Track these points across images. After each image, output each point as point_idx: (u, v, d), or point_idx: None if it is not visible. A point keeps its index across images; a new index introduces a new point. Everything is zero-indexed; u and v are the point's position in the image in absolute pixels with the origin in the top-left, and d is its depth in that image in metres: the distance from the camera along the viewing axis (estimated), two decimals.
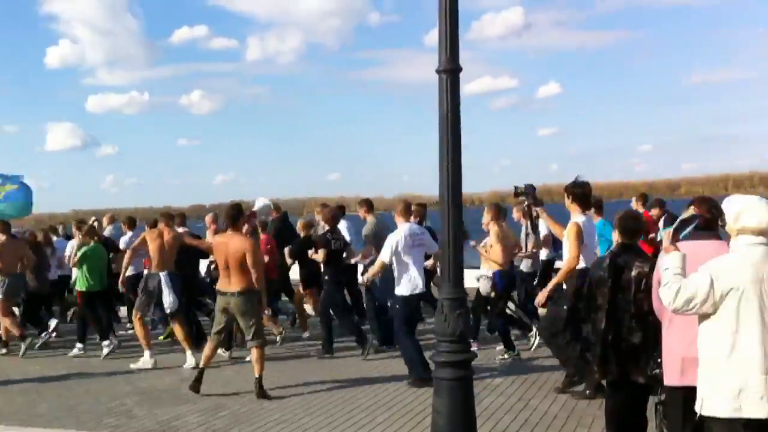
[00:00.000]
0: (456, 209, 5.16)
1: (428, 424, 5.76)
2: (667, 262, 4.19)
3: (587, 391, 7.65)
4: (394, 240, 8.46)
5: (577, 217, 7.67)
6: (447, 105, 5.12)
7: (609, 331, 5.40)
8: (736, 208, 4.11)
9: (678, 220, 4.38)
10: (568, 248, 7.57)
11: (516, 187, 8.44)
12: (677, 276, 4.09)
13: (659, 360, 4.93)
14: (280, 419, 7.46)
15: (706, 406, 4.04)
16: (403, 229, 8.58)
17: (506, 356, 9.70)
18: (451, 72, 5.11)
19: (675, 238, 4.28)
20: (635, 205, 13.00)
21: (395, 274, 8.56)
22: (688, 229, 4.34)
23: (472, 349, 5.50)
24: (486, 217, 10.09)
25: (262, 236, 11.41)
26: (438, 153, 5.18)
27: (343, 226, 11.80)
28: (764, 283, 3.92)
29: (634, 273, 5.33)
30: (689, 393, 4.49)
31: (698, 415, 4.11)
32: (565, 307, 7.64)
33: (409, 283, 8.48)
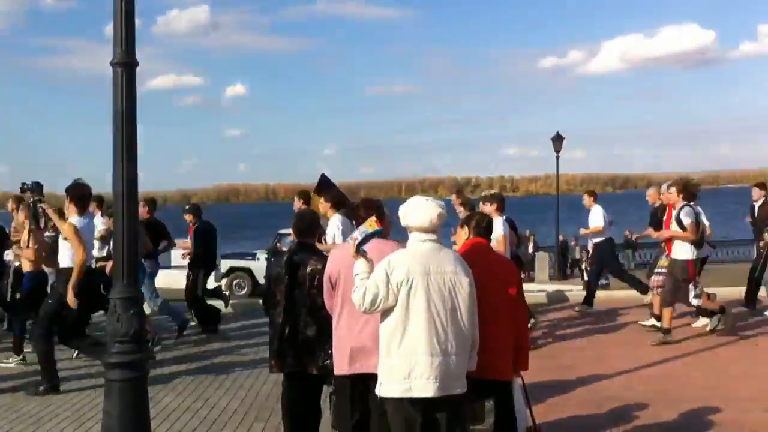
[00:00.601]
0: (131, 206, 5.01)
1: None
2: (357, 268, 4.45)
3: None
4: None
5: (73, 217, 8.20)
6: (122, 100, 4.94)
7: (286, 325, 5.58)
8: (404, 209, 4.50)
9: (363, 234, 4.60)
10: (73, 246, 8.03)
11: (23, 183, 8.71)
12: (364, 280, 4.37)
13: (330, 351, 5.20)
14: None
15: (383, 388, 4.33)
16: None
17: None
18: (126, 65, 4.95)
19: (360, 249, 4.51)
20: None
21: None
22: (368, 241, 4.59)
23: None
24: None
25: None
26: (112, 148, 5.00)
27: None
28: (430, 276, 4.29)
29: (308, 270, 5.54)
30: (357, 380, 4.82)
31: (378, 397, 4.38)
32: (49, 301, 8.14)
33: None
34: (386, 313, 4.33)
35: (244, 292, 17.83)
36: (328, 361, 5.29)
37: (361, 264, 4.45)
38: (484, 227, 5.01)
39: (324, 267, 5.23)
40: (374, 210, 5.07)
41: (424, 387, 4.20)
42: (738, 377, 8.23)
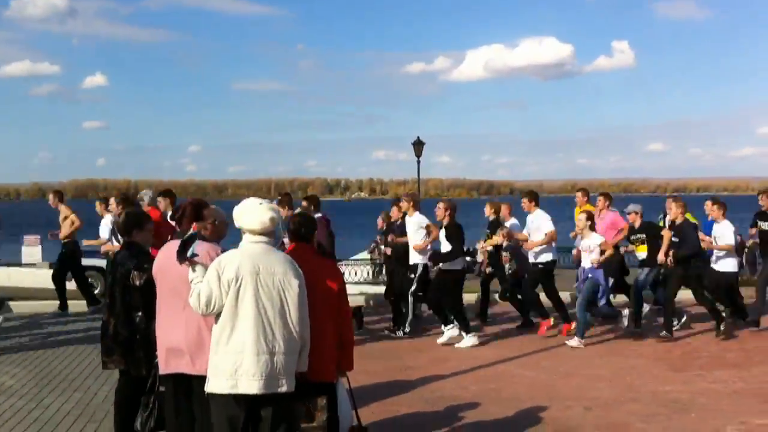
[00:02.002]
0: None
1: None
2: (191, 275, 4.49)
3: None
4: None
5: None
6: None
7: (108, 323, 5.60)
8: (238, 211, 4.60)
9: (186, 236, 4.62)
10: None
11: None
12: (198, 284, 4.41)
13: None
14: None
15: (210, 384, 4.39)
16: None
17: None
18: None
19: (185, 257, 4.51)
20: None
21: None
22: (195, 245, 4.62)
23: None
24: None
25: None
26: None
27: None
28: (260, 275, 4.39)
29: (124, 269, 5.53)
30: (176, 380, 4.87)
31: (206, 393, 4.42)
32: None
33: None
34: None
35: (96, 291, 17.33)
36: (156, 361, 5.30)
37: (191, 271, 4.49)
38: (303, 231, 5.12)
39: (138, 267, 5.35)
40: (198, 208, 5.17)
41: (250, 384, 4.30)
42: (564, 376, 8.72)
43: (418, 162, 28.06)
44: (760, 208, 11.86)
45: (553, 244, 11.26)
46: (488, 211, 12.50)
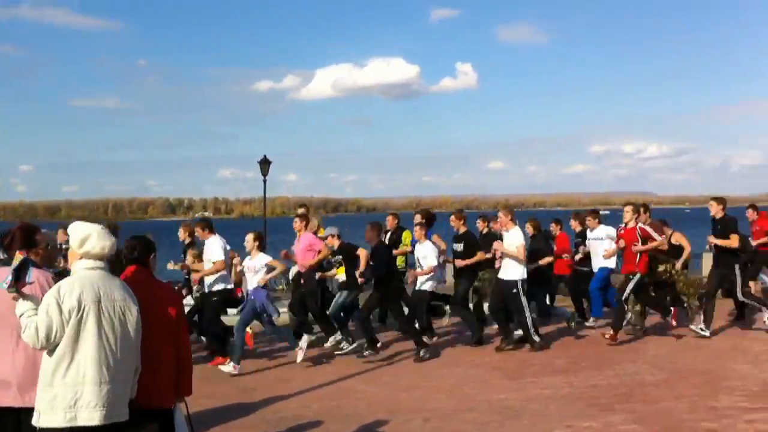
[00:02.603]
0: None
1: None
2: (20, 308, 4.24)
3: None
4: None
5: None
6: None
7: None
8: (82, 235, 4.39)
9: (18, 263, 4.38)
10: None
11: None
12: (32, 317, 4.18)
13: None
14: None
15: (42, 418, 4.18)
16: None
17: None
18: None
19: (22, 284, 4.26)
20: None
21: None
22: (30, 272, 4.39)
23: None
24: None
25: None
26: None
27: None
28: (102, 302, 4.25)
29: None
30: (2, 414, 4.64)
31: (37, 428, 4.20)
32: None
33: None
34: None
35: None
36: None
37: (20, 304, 4.26)
38: (137, 254, 4.99)
39: None
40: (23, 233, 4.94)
41: (91, 415, 4.16)
42: (405, 390, 8.95)
43: (264, 181, 27.92)
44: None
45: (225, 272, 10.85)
46: (182, 235, 12.27)
